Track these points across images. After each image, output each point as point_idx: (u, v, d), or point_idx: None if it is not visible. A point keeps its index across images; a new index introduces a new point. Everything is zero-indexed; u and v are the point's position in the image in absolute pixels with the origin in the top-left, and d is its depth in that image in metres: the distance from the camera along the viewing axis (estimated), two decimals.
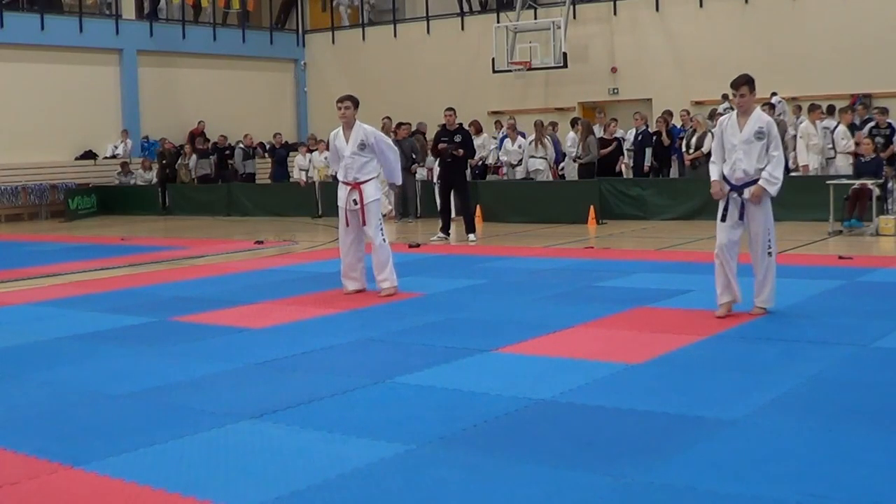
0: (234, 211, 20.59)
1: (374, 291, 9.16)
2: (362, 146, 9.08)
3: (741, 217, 7.47)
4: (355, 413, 5.18)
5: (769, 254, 7.48)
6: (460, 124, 14.82)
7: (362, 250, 9.30)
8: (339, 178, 9.37)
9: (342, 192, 9.21)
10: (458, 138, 14.34)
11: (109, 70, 23.83)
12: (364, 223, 9.07)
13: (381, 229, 9.12)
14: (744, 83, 7.30)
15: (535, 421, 4.95)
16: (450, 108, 14.61)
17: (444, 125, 14.56)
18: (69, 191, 22.07)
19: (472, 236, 14.13)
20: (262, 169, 22.95)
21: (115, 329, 7.87)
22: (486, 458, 4.35)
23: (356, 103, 9.25)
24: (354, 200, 9.08)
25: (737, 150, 7.36)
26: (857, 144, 14.70)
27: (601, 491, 3.93)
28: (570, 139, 18.22)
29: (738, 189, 7.44)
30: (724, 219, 7.50)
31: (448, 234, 14.48)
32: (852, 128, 15.81)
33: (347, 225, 9.16)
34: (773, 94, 19.04)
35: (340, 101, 9.23)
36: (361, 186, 9.07)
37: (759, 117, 7.39)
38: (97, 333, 7.71)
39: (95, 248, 14.90)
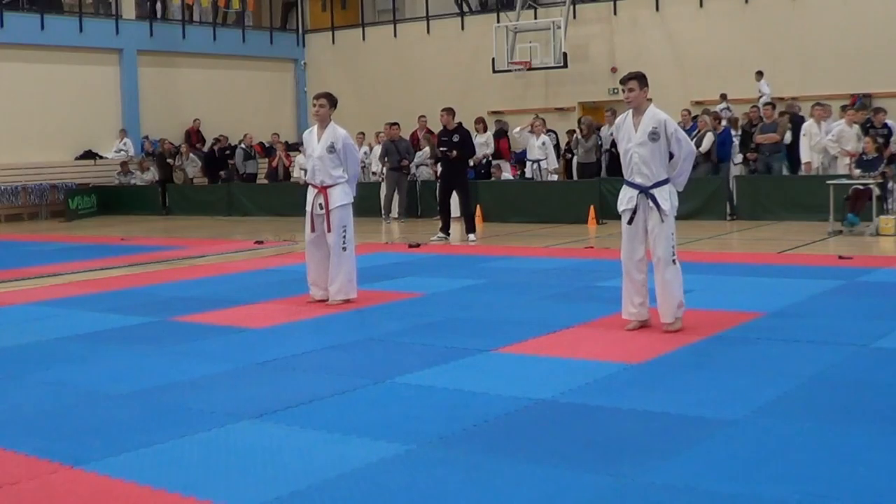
0: (234, 211, 20.59)
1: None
2: (331, 149, 8.68)
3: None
4: (355, 413, 5.18)
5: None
6: (459, 123, 14.78)
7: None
8: (307, 179, 9.02)
9: (310, 195, 8.84)
10: (456, 138, 14.34)
11: (109, 70, 23.83)
12: (329, 229, 8.66)
13: (345, 237, 8.69)
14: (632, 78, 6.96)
15: (535, 421, 4.95)
16: (445, 108, 14.59)
17: (444, 126, 14.57)
18: (69, 191, 22.07)
19: (472, 236, 14.13)
20: (263, 169, 22.94)
21: (115, 329, 7.87)
22: (486, 458, 4.35)
23: (333, 102, 8.85)
24: (320, 205, 8.69)
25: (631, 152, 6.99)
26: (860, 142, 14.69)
27: (601, 491, 3.93)
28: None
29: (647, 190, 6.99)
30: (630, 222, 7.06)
31: (448, 234, 14.48)
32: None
33: (313, 230, 8.77)
34: (759, 73, 19.32)
35: (316, 97, 8.86)
36: (328, 190, 8.70)
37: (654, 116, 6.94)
38: (97, 333, 7.71)
39: (95, 248, 14.90)
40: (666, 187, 6.96)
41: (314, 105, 8.87)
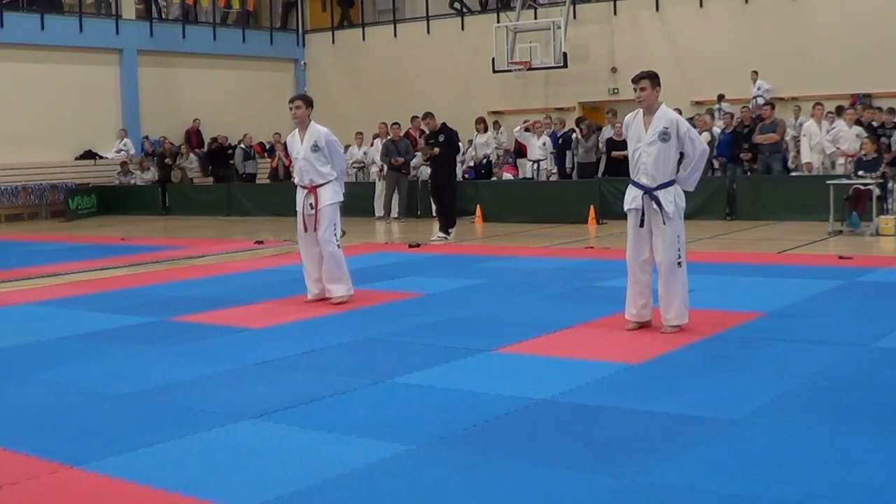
0: (234, 211, 20.59)
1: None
2: (315, 147, 8.73)
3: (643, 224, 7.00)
4: (355, 413, 5.18)
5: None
6: (443, 124, 15.08)
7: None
8: (296, 181, 9.04)
9: (299, 195, 8.89)
10: (441, 138, 14.70)
11: (109, 70, 23.83)
12: (315, 229, 8.71)
13: (336, 235, 8.75)
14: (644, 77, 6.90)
15: (535, 421, 4.95)
16: (427, 114, 14.93)
17: (430, 130, 14.86)
18: (69, 191, 22.07)
19: (451, 231, 14.35)
20: (263, 169, 22.96)
21: (115, 329, 7.87)
22: (486, 458, 4.34)
23: (309, 102, 8.91)
24: (311, 205, 8.74)
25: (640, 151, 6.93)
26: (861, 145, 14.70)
27: (601, 491, 3.93)
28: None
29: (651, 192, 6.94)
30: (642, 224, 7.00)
31: (448, 234, 14.51)
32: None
33: (306, 230, 8.83)
34: (755, 73, 19.27)
35: (291, 100, 8.95)
36: (318, 190, 8.74)
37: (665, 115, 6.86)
38: (97, 333, 7.71)
39: (95, 248, 14.90)
40: (671, 189, 6.90)
41: (290, 108, 8.93)
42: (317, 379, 5.98)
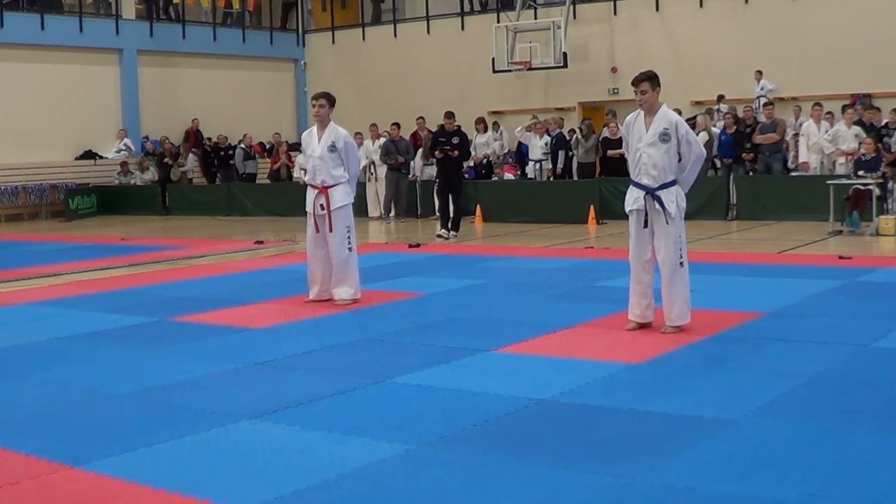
0: (234, 211, 20.60)
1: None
2: (333, 148, 8.68)
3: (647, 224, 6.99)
4: (355, 413, 5.18)
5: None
6: (458, 126, 15.02)
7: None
8: (307, 180, 8.97)
9: (310, 195, 8.81)
10: (455, 140, 14.61)
11: (109, 70, 23.83)
12: (330, 230, 8.64)
13: (349, 238, 8.70)
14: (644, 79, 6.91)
15: (535, 421, 4.95)
16: (449, 113, 14.84)
17: (442, 126, 14.80)
18: (69, 191, 22.07)
19: (453, 233, 14.39)
20: (263, 169, 22.97)
21: (115, 329, 7.87)
22: (486, 458, 4.35)
23: (332, 102, 8.87)
24: (322, 205, 8.67)
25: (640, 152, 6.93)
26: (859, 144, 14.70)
27: (601, 491, 3.93)
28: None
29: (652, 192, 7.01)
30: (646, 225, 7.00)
31: (448, 232, 14.52)
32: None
33: (318, 231, 8.72)
34: (759, 72, 19.47)
35: (315, 98, 8.88)
36: (329, 191, 8.68)
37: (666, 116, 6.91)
38: (97, 333, 7.71)
39: (95, 248, 14.90)
40: (673, 189, 6.91)
41: (314, 105, 8.88)
42: (317, 379, 5.98)
